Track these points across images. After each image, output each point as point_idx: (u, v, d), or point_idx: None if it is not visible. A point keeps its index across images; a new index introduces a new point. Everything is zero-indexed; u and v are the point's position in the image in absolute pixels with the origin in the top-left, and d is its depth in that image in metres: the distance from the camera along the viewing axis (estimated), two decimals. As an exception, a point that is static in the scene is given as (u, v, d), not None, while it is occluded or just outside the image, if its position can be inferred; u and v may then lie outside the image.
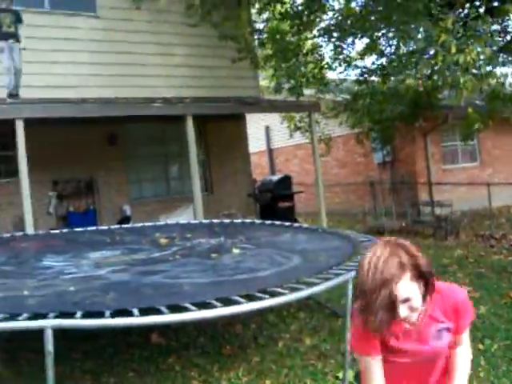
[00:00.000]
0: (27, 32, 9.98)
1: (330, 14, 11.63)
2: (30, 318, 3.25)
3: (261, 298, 3.55)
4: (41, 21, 10.77)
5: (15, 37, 8.94)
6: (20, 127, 8.53)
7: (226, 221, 8.16)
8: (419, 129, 14.03)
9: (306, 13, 11.05)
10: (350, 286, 4.10)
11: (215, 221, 8.11)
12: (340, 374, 4.49)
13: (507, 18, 10.71)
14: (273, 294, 3.61)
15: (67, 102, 9.96)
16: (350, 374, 4.30)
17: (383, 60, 11.29)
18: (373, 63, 11.67)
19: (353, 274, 4.16)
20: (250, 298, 3.64)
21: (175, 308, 3.41)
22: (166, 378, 4.65)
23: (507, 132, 16.55)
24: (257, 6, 11.93)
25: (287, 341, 5.49)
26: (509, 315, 5.98)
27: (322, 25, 11.75)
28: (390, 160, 15.34)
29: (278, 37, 11.13)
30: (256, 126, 19.13)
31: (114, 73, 11.38)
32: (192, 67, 12.35)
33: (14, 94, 8.96)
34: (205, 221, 8.37)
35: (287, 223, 7.45)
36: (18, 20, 9.02)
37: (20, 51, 9.08)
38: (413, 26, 8.60)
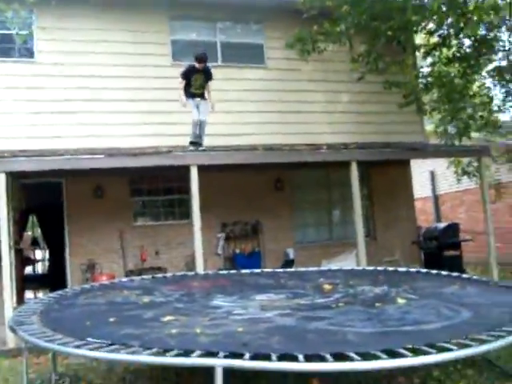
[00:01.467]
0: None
1: (500, 54, 11.21)
2: (202, 356, 3.44)
3: (427, 353, 3.45)
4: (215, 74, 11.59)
5: (202, 96, 9.67)
6: (194, 172, 9.16)
7: (390, 268, 8.01)
8: None
9: (474, 55, 10.75)
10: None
11: (379, 268, 8.00)
12: None
13: None
14: (440, 349, 3.49)
15: (238, 149, 10.53)
16: None
17: None
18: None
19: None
20: (416, 351, 3.54)
21: (339, 356, 3.42)
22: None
23: None
24: (422, 50, 11.82)
25: (454, 399, 5.20)
26: None
27: (491, 66, 11.34)
28: None
29: (444, 80, 10.90)
30: (420, 170, 18.66)
31: (281, 120, 11.84)
32: (356, 113, 12.48)
33: (195, 143, 9.67)
34: (368, 268, 8.29)
35: (455, 274, 7.14)
36: (208, 79, 9.73)
37: (207, 105, 9.73)
38: None
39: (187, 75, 9.51)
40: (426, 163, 18.65)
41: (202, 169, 9.39)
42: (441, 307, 4.89)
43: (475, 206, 15.69)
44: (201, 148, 9.67)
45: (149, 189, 11.85)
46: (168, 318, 4.83)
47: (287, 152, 10.63)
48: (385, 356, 3.40)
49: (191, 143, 9.71)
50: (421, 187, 19.21)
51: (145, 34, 11.43)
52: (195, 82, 9.53)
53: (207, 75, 9.63)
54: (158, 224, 11.78)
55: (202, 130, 9.67)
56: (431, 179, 19.71)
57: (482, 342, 3.62)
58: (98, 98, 10.83)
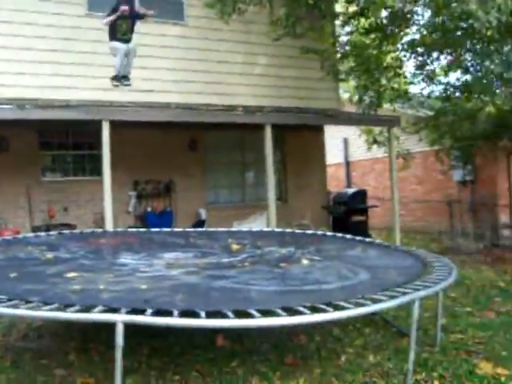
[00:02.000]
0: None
1: (414, 28, 11.51)
2: (103, 312, 3.42)
3: (326, 311, 3.59)
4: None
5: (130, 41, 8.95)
6: (106, 128, 8.95)
7: (298, 231, 8.20)
8: (503, 148, 13.58)
9: (390, 27, 10.98)
10: (417, 306, 4.07)
11: (287, 230, 8.18)
12: (401, 394, 4.44)
13: None
14: (338, 308, 3.64)
15: (151, 106, 10.34)
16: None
17: (467, 77, 11.03)
18: (457, 79, 11.43)
19: (420, 293, 4.13)
20: (316, 309, 3.67)
21: (241, 313, 3.49)
22: (227, 382, 4.73)
23: None
24: (341, 18, 11.95)
25: (350, 356, 5.44)
26: None
27: (406, 39, 11.64)
28: (470, 179, 14.91)
29: (360, 50, 11.10)
30: (334, 137, 19.06)
31: (196, 79, 11.70)
32: (273, 77, 12.52)
33: (122, 77, 8.97)
34: (277, 229, 8.45)
35: (359, 237, 7.41)
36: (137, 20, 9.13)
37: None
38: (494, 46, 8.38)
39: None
40: (339, 130, 19.09)
41: (114, 125, 9.17)
42: (342, 268, 5.08)
43: (384, 174, 16.28)
44: (126, 82, 9.03)
45: (59, 143, 11.48)
46: (72, 274, 4.75)
47: (202, 112, 10.57)
48: (285, 313, 3.50)
49: (115, 78, 9.02)
50: (333, 154, 19.66)
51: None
52: (120, 27, 8.77)
53: (136, 18, 8.99)
54: (67, 180, 11.47)
55: (129, 62, 8.87)
56: (344, 146, 20.20)
57: (378, 301, 3.81)
58: (7, 46, 10.25)
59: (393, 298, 3.91)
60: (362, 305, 3.70)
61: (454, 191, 15.37)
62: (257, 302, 3.84)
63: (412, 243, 12.92)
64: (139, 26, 11.14)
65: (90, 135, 11.06)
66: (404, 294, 4.03)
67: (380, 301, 3.80)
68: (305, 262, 5.44)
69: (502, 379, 4.71)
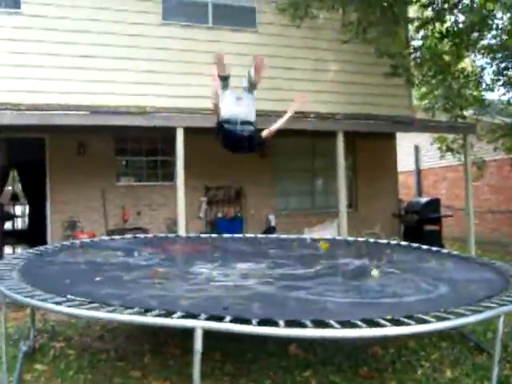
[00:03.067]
0: (191, 45, 10.74)
1: (494, 32, 11.14)
2: (182, 317, 3.45)
3: (405, 324, 3.49)
4: (203, 35, 11.44)
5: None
6: (180, 134, 9.10)
7: (371, 240, 8.07)
8: None
9: (467, 32, 10.68)
10: (501, 321, 3.91)
11: (360, 239, 8.05)
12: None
13: None
14: (419, 321, 3.54)
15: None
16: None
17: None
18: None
19: (506, 309, 3.96)
20: (394, 322, 3.58)
21: (319, 323, 3.45)
22: (302, 391, 4.70)
23: None
24: (415, 23, 11.72)
25: (426, 370, 5.30)
26: None
27: (484, 43, 11.29)
28: (549, 189, 14.31)
29: (435, 56, 10.84)
30: (405, 144, 18.69)
31: (269, 87, 11.71)
32: (344, 83, 12.41)
33: None
34: (350, 238, 8.34)
35: (434, 248, 7.21)
36: None
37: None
38: None
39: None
40: (411, 137, 18.70)
41: (188, 131, 9.32)
42: (420, 281, 4.95)
43: (457, 182, 15.83)
44: None
45: (133, 148, 11.76)
46: (149, 280, 4.83)
47: (274, 119, 10.55)
48: (364, 325, 3.43)
49: None
50: (404, 161, 19.28)
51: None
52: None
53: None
54: (140, 184, 11.72)
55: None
56: (415, 154, 19.79)
57: (460, 315, 3.68)
58: (85, 54, 10.60)
59: (477, 312, 3.77)
60: (445, 319, 3.58)
61: (531, 201, 14.78)
62: (335, 314, 3.78)
63: (486, 255, 12.48)
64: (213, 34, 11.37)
65: (163, 141, 11.29)
66: (488, 308, 3.88)
67: (462, 315, 3.66)
68: (378, 274, 5.32)
69: None
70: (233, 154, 10.45)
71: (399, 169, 16.70)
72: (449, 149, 13.78)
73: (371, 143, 12.77)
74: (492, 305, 3.97)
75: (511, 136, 11.66)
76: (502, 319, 3.89)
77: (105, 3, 10.83)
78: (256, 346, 5.61)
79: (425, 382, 4.99)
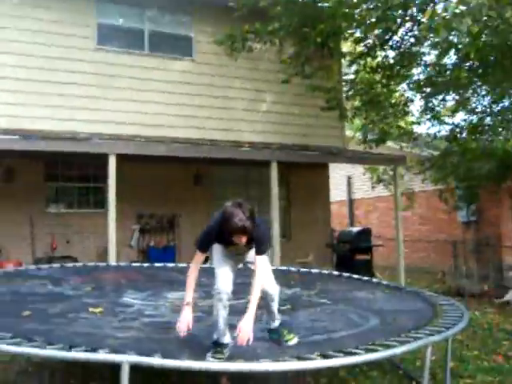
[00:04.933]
0: (127, 72, 10.63)
1: (421, 68, 11.59)
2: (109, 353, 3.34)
3: (334, 356, 3.51)
4: (139, 62, 11.37)
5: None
6: (112, 162, 8.93)
7: (304, 270, 8.12)
8: (507, 190, 13.54)
9: (397, 66, 11.06)
10: (429, 351, 3.99)
11: (292, 268, 8.09)
12: None
13: None
14: (348, 353, 3.56)
15: (157, 141, 10.36)
16: None
17: (474, 117, 11.07)
18: (464, 120, 11.47)
19: (433, 339, 4.05)
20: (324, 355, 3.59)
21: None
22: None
23: None
24: (348, 58, 12.05)
25: (357, 400, 5.33)
26: None
27: (413, 78, 11.71)
28: (474, 220, 14.84)
29: (367, 87, 11.15)
30: (337, 174, 19.08)
31: (204, 115, 11.76)
32: (279, 114, 12.57)
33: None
34: (282, 267, 8.36)
35: (365, 278, 7.33)
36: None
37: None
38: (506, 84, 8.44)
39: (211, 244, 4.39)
40: (343, 167, 19.10)
41: (120, 158, 9.17)
42: (350, 313, 4.99)
43: (387, 212, 16.23)
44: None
45: (64, 174, 11.46)
46: (75, 314, 4.67)
47: (209, 147, 10.57)
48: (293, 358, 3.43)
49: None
50: (337, 191, 19.64)
51: (70, 14, 10.98)
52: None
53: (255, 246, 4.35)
54: (71, 212, 11.41)
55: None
56: (347, 184, 20.19)
57: (387, 347, 3.72)
58: (16, 77, 10.31)
59: (405, 343, 3.83)
60: (374, 350, 3.61)
61: (457, 231, 15.28)
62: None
63: (416, 283, 12.77)
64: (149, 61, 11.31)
65: (95, 167, 11.06)
66: (416, 339, 3.95)
67: (390, 346, 3.71)
68: (312, 305, 5.33)
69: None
70: (167, 182, 10.29)
71: (333, 198, 17.00)
72: (379, 180, 14.14)
73: (305, 173, 12.94)
74: (419, 335, 4.05)
75: (438, 168, 12.07)
76: (429, 349, 3.97)
77: (41, 26, 10.61)
78: (187, 381, 5.47)
79: (355, 412, 5.01)
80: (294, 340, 4.32)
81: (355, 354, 3.53)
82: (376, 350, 3.60)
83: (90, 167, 11.34)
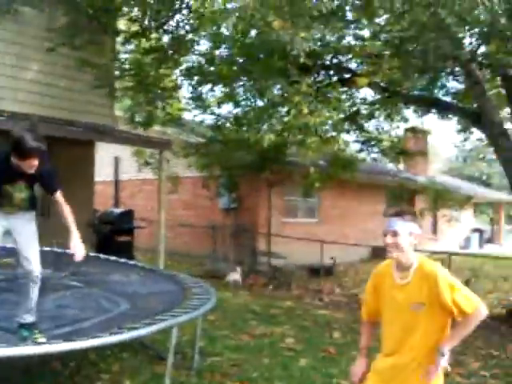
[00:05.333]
0: None
1: (194, 57, 11.80)
2: None
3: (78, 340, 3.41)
4: None
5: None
6: None
7: (58, 250, 7.77)
8: (265, 180, 14.52)
9: (170, 51, 11.11)
10: (175, 332, 4.08)
11: (45, 249, 7.68)
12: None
13: (356, 89, 11.58)
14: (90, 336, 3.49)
15: None
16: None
17: (239, 110, 11.60)
18: (229, 112, 11.97)
19: (177, 320, 4.15)
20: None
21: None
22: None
23: (345, 194, 17.70)
24: (122, 36, 11.79)
25: (105, 382, 5.27)
26: (326, 370, 6.24)
27: (186, 66, 11.86)
28: (234, 207, 15.66)
29: (137, 69, 11.02)
30: (106, 154, 18.62)
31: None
32: (45, 85, 11.82)
33: None
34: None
35: (122, 260, 7.27)
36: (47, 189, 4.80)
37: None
38: (270, 81, 8.97)
39: None
40: (115, 147, 18.72)
41: None
42: (102, 298, 4.89)
43: (153, 195, 16.31)
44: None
45: None
46: None
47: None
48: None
49: None
50: (104, 171, 19.22)
51: None
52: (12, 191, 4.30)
53: (43, 187, 4.51)
54: None
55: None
56: (115, 164, 19.87)
57: (132, 329, 3.72)
58: None
59: (150, 325, 3.86)
60: (117, 333, 3.59)
61: (219, 217, 15.99)
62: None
63: (176, 266, 13.10)
64: None
65: None
66: (162, 321, 4.01)
67: (136, 328, 3.72)
68: (62, 289, 5.12)
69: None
70: None
71: (101, 178, 16.58)
72: (147, 162, 14.14)
73: (69, 149, 12.32)
74: (165, 317, 4.12)
75: (201, 155, 12.45)
76: (174, 330, 4.07)
77: None
78: None
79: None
80: (42, 339, 4.07)
81: (97, 337, 3.46)
82: (119, 333, 3.58)
83: None
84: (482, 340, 8.43)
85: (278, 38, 5.71)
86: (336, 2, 7.42)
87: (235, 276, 12.14)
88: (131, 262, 7.35)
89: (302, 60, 6.35)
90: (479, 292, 11.86)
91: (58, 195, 4.06)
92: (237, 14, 6.14)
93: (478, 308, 2.93)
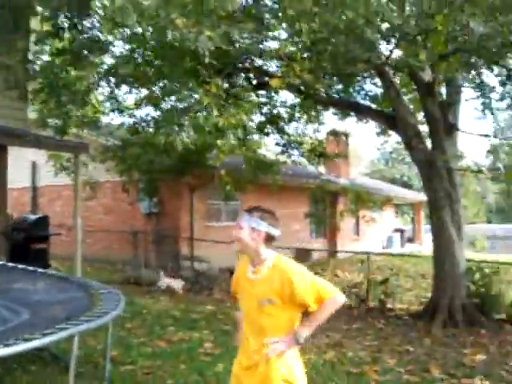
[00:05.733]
0: None
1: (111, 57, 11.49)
2: None
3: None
4: None
5: None
6: None
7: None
8: (187, 184, 14.39)
9: (85, 52, 10.76)
10: (76, 341, 3.92)
11: None
12: None
13: (274, 92, 11.63)
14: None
15: None
16: None
17: (157, 113, 11.40)
18: (147, 114, 11.74)
19: (80, 328, 3.98)
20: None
21: None
22: None
23: (268, 196, 17.78)
24: (35, 35, 11.33)
25: (10, 397, 5.03)
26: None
27: (103, 67, 11.53)
28: (155, 211, 15.44)
29: (47, 71, 10.61)
30: (23, 159, 17.93)
31: None
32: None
33: None
34: None
35: (31, 268, 6.97)
36: None
37: None
38: (179, 82, 8.86)
39: None
40: (29, 153, 18.04)
41: None
42: (3, 308, 4.66)
43: (72, 201, 15.83)
44: None
45: None
46: None
47: None
48: None
49: None
50: (21, 177, 18.51)
51: None
52: None
53: None
54: None
55: None
56: (32, 170, 19.17)
57: (29, 339, 3.54)
58: None
59: (50, 334, 3.69)
60: (10, 345, 3.39)
61: (140, 222, 15.72)
62: None
63: (95, 274, 12.78)
64: None
65: None
66: (63, 329, 3.84)
67: (32, 339, 3.54)
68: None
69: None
70: None
71: (17, 184, 15.93)
72: (63, 167, 13.69)
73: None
74: (69, 326, 3.95)
75: (119, 159, 12.17)
76: (76, 339, 3.90)
77: None
78: None
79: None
80: None
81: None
82: (14, 344, 3.39)
83: None
84: (400, 337, 8.64)
85: (183, 37, 5.62)
86: (246, 2, 7.42)
87: (174, 283, 11.85)
88: (40, 270, 7.05)
89: (207, 60, 6.26)
90: (399, 289, 12.41)
91: None
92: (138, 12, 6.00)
93: (334, 295, 3.11)
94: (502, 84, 10.22)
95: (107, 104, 11.91)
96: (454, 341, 8.42)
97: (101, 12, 10.17)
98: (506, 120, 38.10)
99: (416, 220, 33.78)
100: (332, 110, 13.26)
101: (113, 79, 11.03)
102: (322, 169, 19.48)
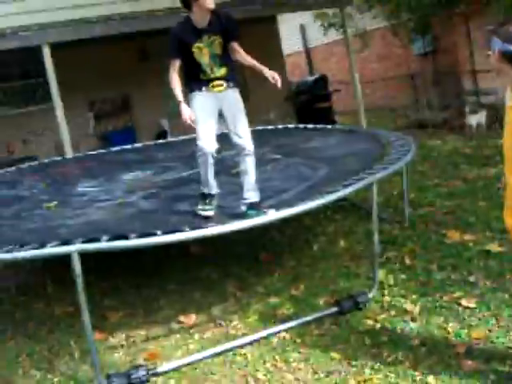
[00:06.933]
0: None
1: None
2: (58, 245, 3.36)
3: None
4: None
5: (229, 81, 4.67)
6: (47, 52, 8.49)
7: (259, 128, 8.06)
8: (461, 14, 13.22)
9: None
10: (375, 188, 4.08)
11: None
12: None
13: None
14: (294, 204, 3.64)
15: (89, 21, 9.78)
16: (381, 274, 4.35)
17: None
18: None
19: (377, 176, 4.13)
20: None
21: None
22: (204, 287, 4.79)
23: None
24: None
25: (322, 244, 5.53)
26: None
27: None
28: (430, 50, 14.65)
29: None
30: (290, 25, 18.42)
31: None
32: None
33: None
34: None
35: (320, 126, 7.34)
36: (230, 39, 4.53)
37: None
38: None
39: (180, 46, 4.18)
40: (295, 17, 18.46)
41: (59, 46, 8.70)
42: (301, 166, 5.01)
43: (345, 56, 15.96)
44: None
45: (3, 74, 10.95)
46: (29, 212, 4.68)
47: (146, 19, 10.05)
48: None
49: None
50: (292, 42, 19.13)
51: None
52: (203, 57, 4.22)
53: (227, 33, 4.24)
54: (20, 112, 11.05)
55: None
56: (301, 33, 19.63)
57: (331, 192, 3.80)
58: None
59: (348, 186, 3.90)
60: (316, 198, 3.69)
61: (415, 64, 15.16)
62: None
63: (379, 122, 12.87)
64: None
65: (34, 61, 10.57)
66: (361, 179, 4.02)
67: (334, 192, 3.79)
68: (264, 164, 5.34)
69: (470, 245, 4.83)
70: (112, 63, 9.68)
71: (290, 50, 16.55)
72: (330, 24, 13.71)
73: (252, 29, 12.45)
74: (365, 176, 4.12)
75: (385, 1, 11.66)
76: (374, 187, 4.06)
77: None
78: (158, 256, 5.62)
79: (320, 255, 5.21)
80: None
81: (299, 203, 3.60)
82: (321, 197, 3.68)
83: (29, 62, 10.81)
84: None
85: None
86: None
87: (478, 118, 10.93)
88: (328, 127, 7.38)
89: None
90: None
91: (238, 45, 4.29)
92: None
93: None
94: None
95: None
96: None
97: None
98: None
99: None
100: None
101: None
102: None
